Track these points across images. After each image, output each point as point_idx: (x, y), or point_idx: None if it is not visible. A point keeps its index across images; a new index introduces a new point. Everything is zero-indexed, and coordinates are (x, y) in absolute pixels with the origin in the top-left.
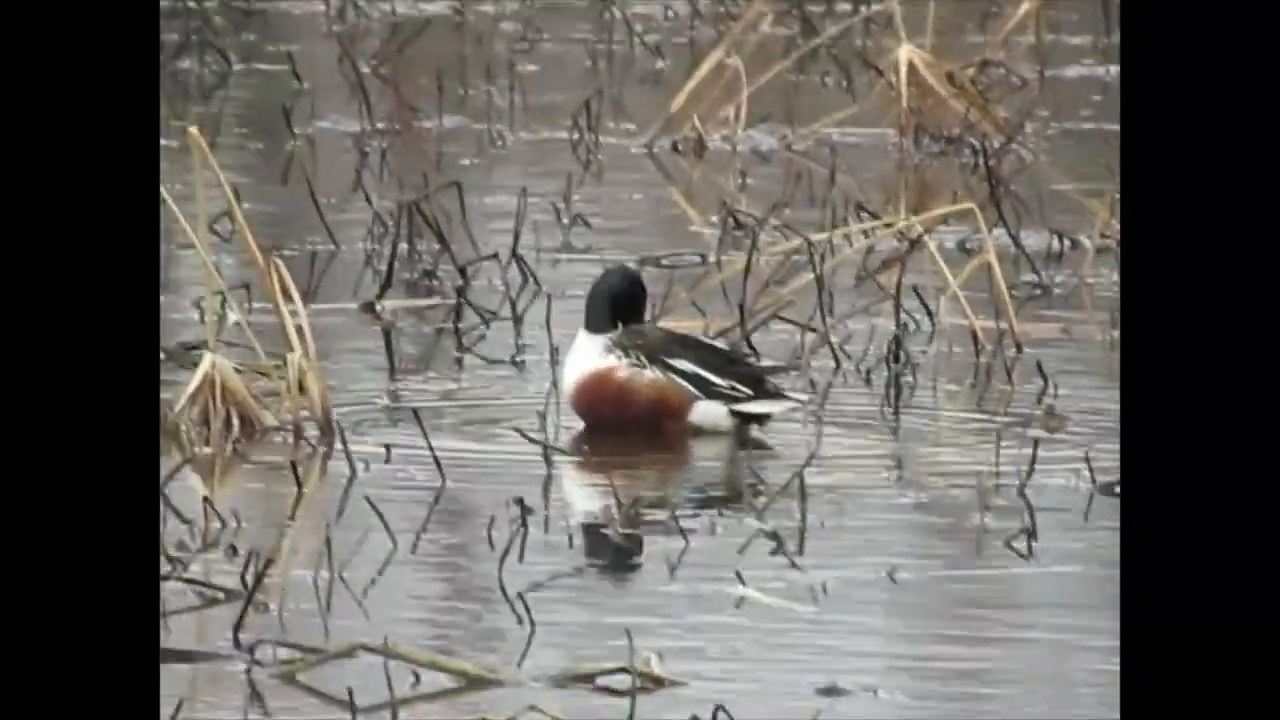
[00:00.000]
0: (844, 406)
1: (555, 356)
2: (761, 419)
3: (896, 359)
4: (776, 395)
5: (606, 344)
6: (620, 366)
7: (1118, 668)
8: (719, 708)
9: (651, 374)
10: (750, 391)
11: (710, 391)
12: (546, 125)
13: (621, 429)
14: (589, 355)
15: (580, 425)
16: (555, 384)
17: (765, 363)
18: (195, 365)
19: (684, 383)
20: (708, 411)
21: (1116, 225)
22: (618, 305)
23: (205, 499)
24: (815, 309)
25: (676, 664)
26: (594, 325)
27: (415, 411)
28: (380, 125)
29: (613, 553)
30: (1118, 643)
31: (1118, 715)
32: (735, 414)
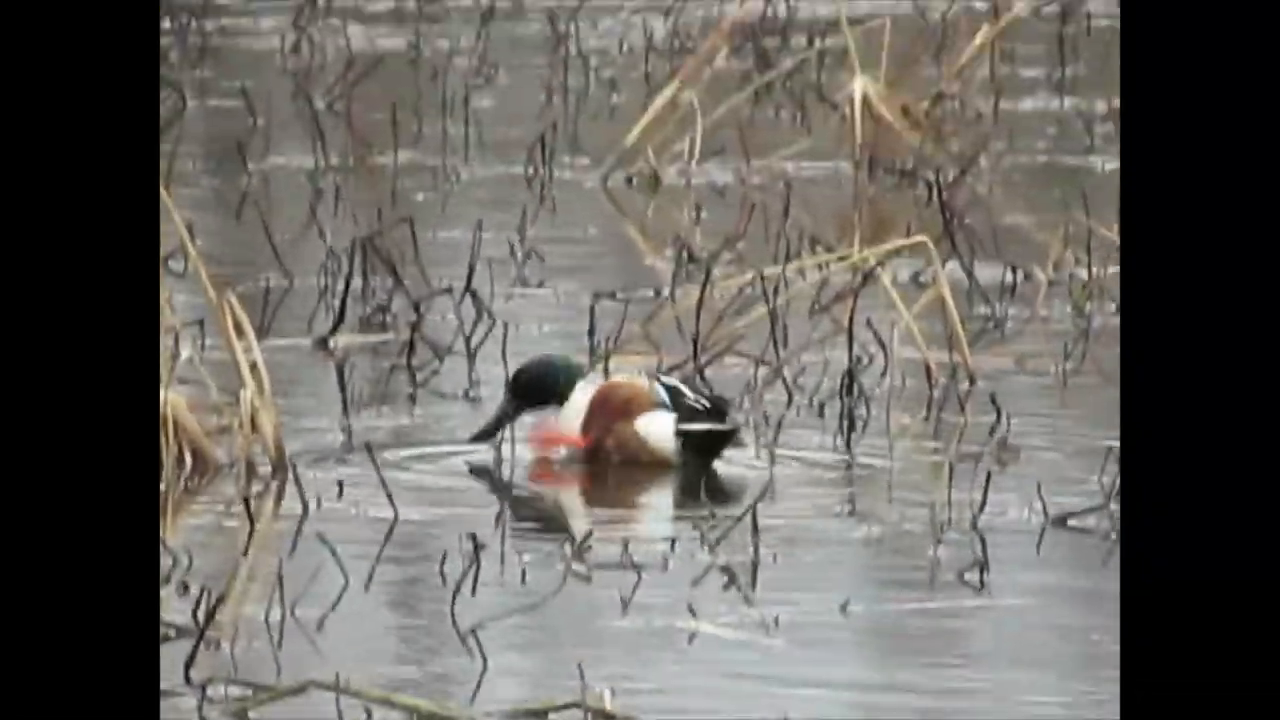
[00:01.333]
0: (797, 440)
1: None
2: (706, 446)
3: (850, 392)
4: (720, 418)
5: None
6: (620, 378)
7: (1069, 701)
8: None
9: (638, 378)
10: (709, 405)
11: (678, 402)
12: (501, 160)
13: (598, 437)
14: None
15: (532, 460)
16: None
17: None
18: None
19: (661, 390)
20: (655, 421)
21: (1070, 257)
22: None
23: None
24: (769, 342)
25: (629, 699)
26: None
27: (368, 446)
28: (335, 161)
29: (565, 587)
30: (1069, 680)
31: None
32: (681, 434)
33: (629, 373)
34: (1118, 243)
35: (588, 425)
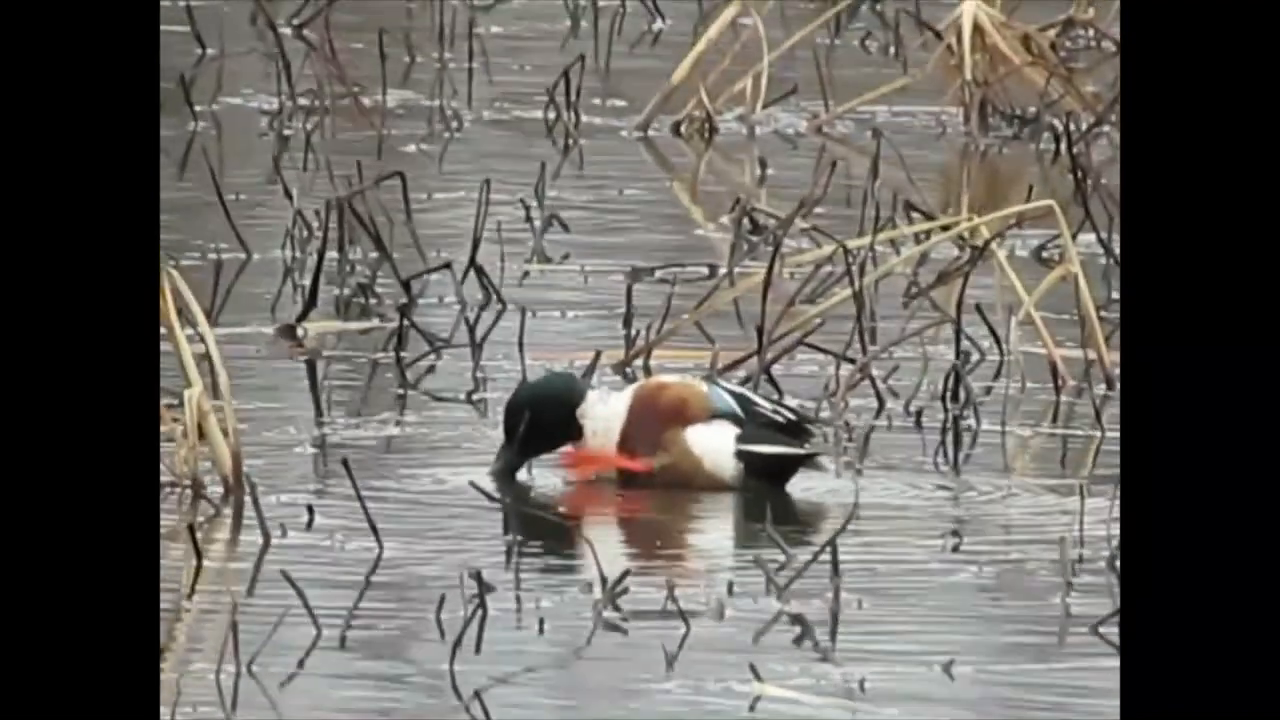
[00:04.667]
0: (889, 456)
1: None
2: (775, 470)
3: (955, 397)
4: (795, 442)
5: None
6: (669, 378)
7: None
8: None
9: (692, 380)
10: (792, 418)
11: (750, 411)
12: (515, 102)
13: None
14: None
15: (555, 483)
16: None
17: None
18: None
19: (720, 393)
20: (711, 434)
21: None
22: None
23: None
24: (853, 334)
25: None
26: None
27: (345, 462)
28: (304, 102)
29: (594, 641)
30: None
31: None
32: (742, 455)
33: (676, 372)
34: None
35: (627, 439)
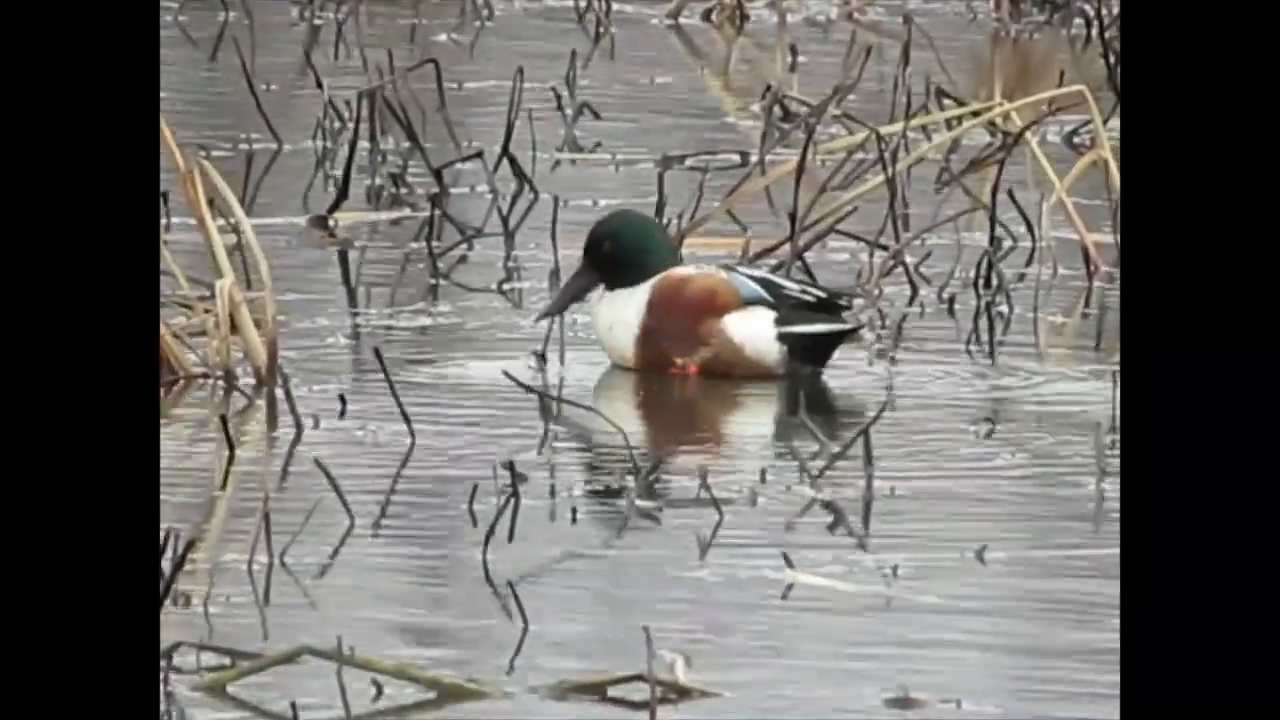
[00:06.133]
0: (922, 343)
1: (557, 280)
2: (816, 350)
3: (988, 283)
4: (836, 318)
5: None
6: (687, 270)
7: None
8: None
9: (712, 269)
10: (822, 295)
11: (777, 295)
12: None
13: (669, 347)
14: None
15: (590, 369)
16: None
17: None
18: None
19: (744, 280)
20: (751, 322)
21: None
22: (638, 256)
23: None
24: (886, 221)
25: (707, 670)
26: (616, 279)
27: (378, 352)
28: None
29: (627, 530)
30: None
31: None
32: (784, 337)
33: (709, 261)
34: None
35: (652, 336)
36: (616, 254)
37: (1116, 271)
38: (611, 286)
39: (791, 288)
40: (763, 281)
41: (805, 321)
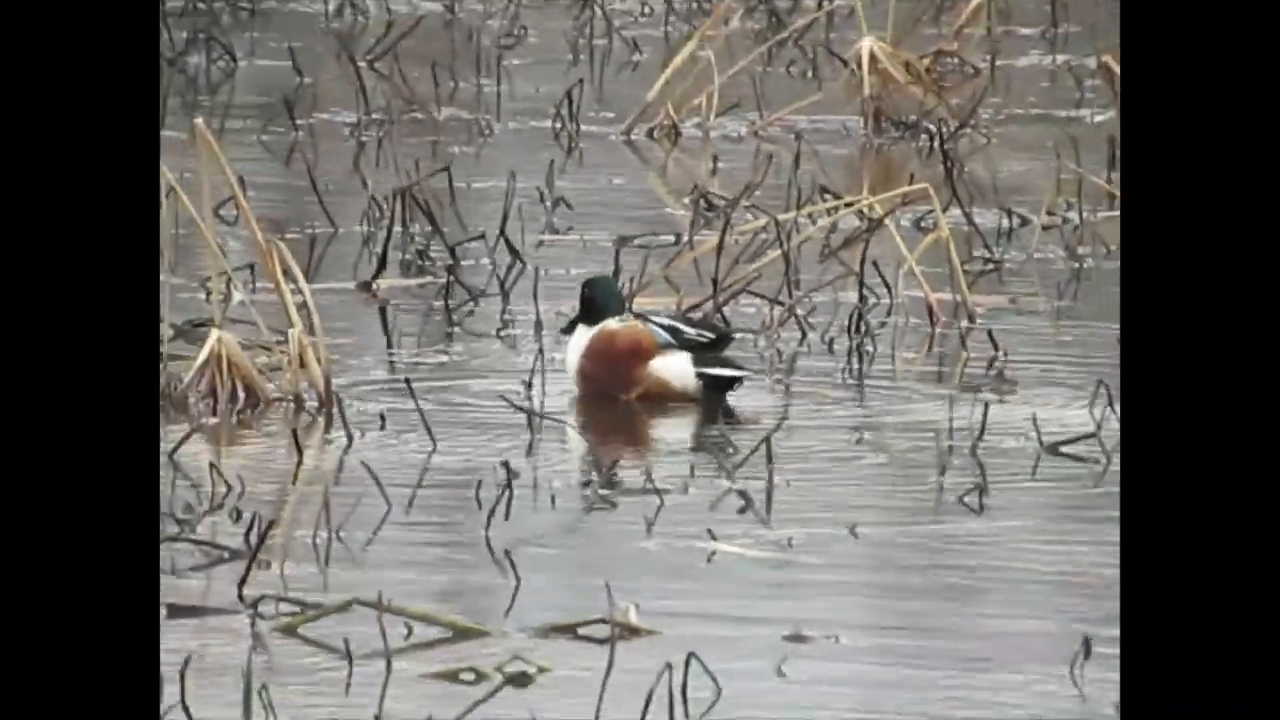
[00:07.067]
0: (810, 374)
1: (540, 329)
2: (724, 383)
3: (858, 329)
4: (736, 366)
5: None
6: (614, 325)
7: (1067, 615)
8: (691, 654)
9: (634, 323)
10: (713, 336)
11: (681, 340)
12: (532, 115)
13: (607, 384)
14: (587, 333)
15: (563, 393)
16: (541, 353)
17: (732, 328)
18: (203, 341)
19: (657, 329)
20: (672, 364)
21: (1063, 203)
22: (606, 303)
23: (211, 465)
24: (783, 283)
25: (652, 615)
26: (590, 319)
27: (408, 381)
28: (376, 116)
29: (592, 512)
30: (1066, 596)
31: (1069, 659)
32: (700, 375)
33: (649, 313)
34: (1107, 189)
35: (590, 375)
36: (591, 300)
37: (953, 320)
38: (586, 324)
39: (690, 332)
40: (669, 328)
41: (717, 365)
